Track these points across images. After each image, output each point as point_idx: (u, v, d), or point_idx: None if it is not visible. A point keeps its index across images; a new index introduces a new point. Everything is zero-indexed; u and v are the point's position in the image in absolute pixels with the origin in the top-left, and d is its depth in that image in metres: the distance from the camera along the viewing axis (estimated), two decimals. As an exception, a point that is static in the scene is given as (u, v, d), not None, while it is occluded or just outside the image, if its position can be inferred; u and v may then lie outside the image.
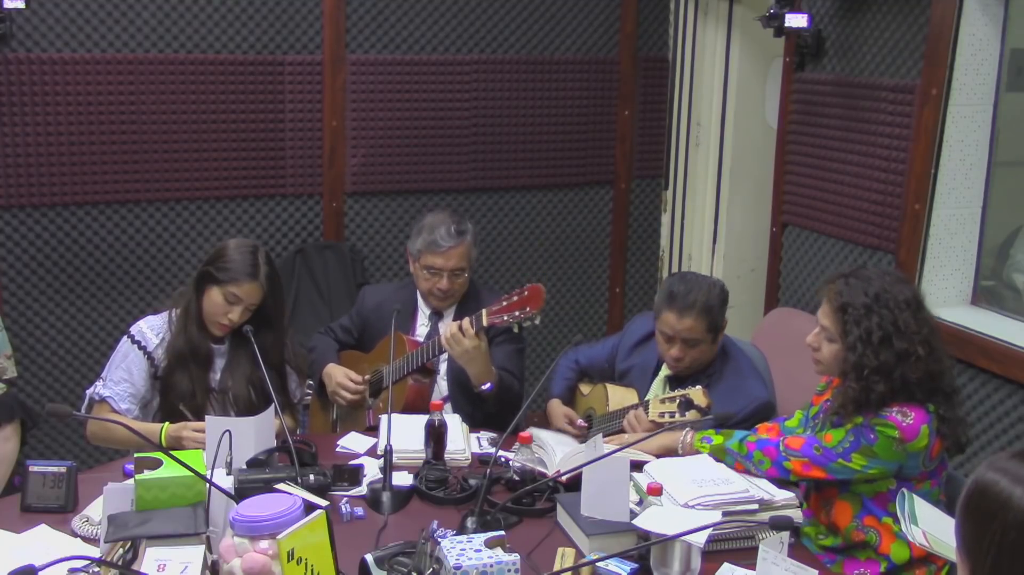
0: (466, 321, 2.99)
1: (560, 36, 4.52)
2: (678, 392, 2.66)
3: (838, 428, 2.43)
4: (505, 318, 2.94)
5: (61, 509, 2.38)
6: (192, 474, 2.09)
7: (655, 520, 2.18)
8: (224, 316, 2.85)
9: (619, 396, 3.00)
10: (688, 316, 2.82)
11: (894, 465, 2.38)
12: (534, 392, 2.94)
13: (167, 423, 2.77)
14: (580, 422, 3.05)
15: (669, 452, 2.62)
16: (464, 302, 3.27)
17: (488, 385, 3.07)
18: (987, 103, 3.34)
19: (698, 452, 2.58)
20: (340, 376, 3.23)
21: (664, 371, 3.01)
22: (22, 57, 3.78)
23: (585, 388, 3.25)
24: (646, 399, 2.82)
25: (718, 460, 2.53)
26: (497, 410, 3.14)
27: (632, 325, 3.26)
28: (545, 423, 3.29)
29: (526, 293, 2.92)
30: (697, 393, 2.62)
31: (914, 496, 2.19)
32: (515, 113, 4.50)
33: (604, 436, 2.83)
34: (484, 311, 2.98)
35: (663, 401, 2.69)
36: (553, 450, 2.65)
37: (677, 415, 2.62)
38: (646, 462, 2.57)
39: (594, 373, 3.25)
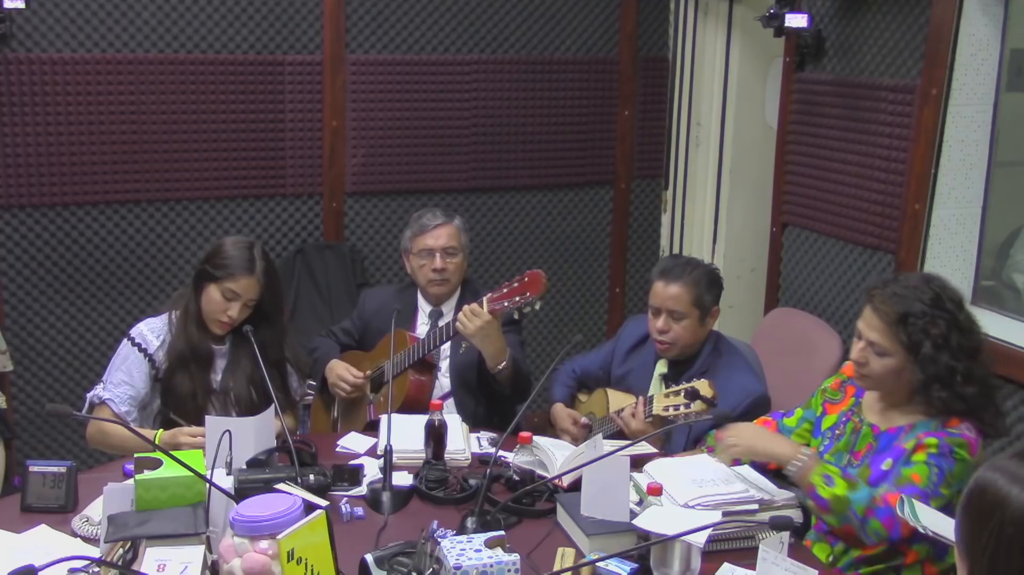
0: (473, 304, 3.01)
1: (560, 36, 4.52)
2: (683, 385, 2.66)
3: (919, 464, 2.29)
4: (505, 304, 2.95)
5: (61, 509, 2.38)
6: (192, 474, 2.10)
7: (655, 520, 2.18)
8: (223, 313, 2.85)
9: (619, 399, 3.01)
10: (674, 284, 2.92)
11: (962, 484, 2.25)
12: (533, 392, 2.94)
13: (161, 430, 2.76)
14: (584, 420, 3.06)
15: (777, 461, 2.38)
16: (462, 298, 3.29)
17: (504, 363, 3.09)
18: (987, 103, 3.34)
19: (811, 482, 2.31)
20: (340, 370, 3.27)
21: (659, 369, 3.02)
22: (22, 57, 3.78)
23: (583, 396, 3.25)
24: (649, 395, 2.82)
25: (828, 510, 2.29)
26: (512, 392, 3.16)
27: (625, 330, 3.26)
28: (545, 425, 3.29)
29: (526, 279, 2.94)
30: (703, 384, 2.62)
31: (913, 500, 2.19)
32: (515, 113, 4.50)
33: (610, 437, 2.83)
34: (485, 298, 3.00)
35: (668, 395, 2.69)
36: (553, 454, 2.65)
37: (682, 408, 2.62)
38: (651, 455, 2.58)
39: (589, 382, 3.26)
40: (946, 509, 2.27)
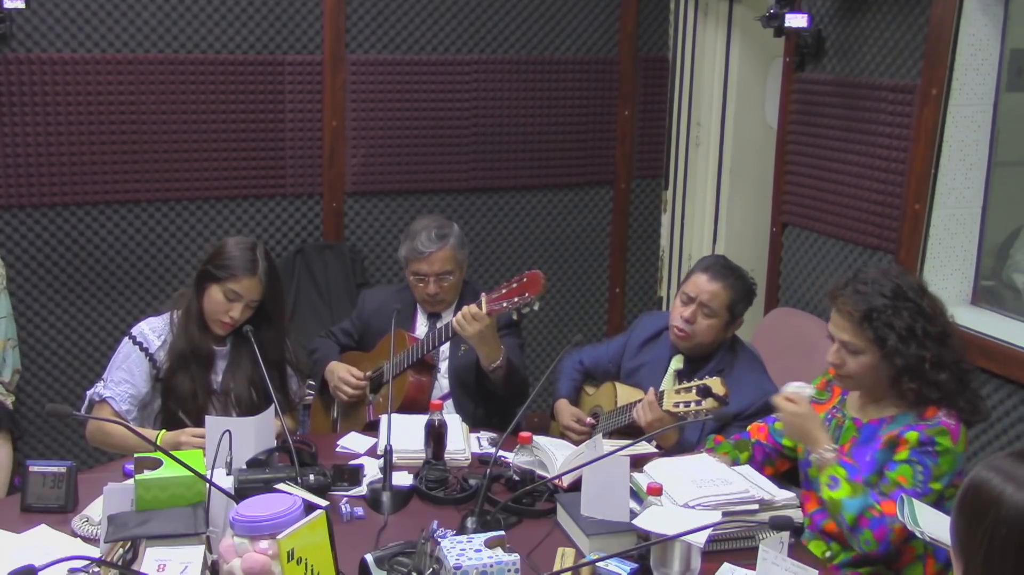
0: (472, 306, 3.01)
1: (560, 36, 4.52)
2: (695, 382, 2.66)
3: (902, 465, 2.31)
4: (504, 304, 2.95)
5: (61, 509, 2.38)
6: (192, 474, 2.10)
7: (655, 520, 2.18)
8: (225, 314, 2.85)
9: (627, 393, 3.00)
10: (719, 281, 2.94)
11: (952, 475, 2.31)
12: (534, 392, 2.94)
13: (163, 431, 2.77)
14: (588, 419, 3.06)
15: (810, 445, 2.40)
16: (462, 299, 3.28)
17: (497, 362, 3.09)
18: (987, 103, 3.34)
19: (831, 470, 2.34)
20: (342, 372, 3.26)
21: (675, 364, 3.02)
22: (22, 57, 3.78)
23: (590, 389, 3.25)
24: (660, 390, 2.80)
25: (827, 510, 2.36)
26: (507, 392, 3.16)
27: (639, 324, 3.27)
28: (546, 423, 3.29)
29: (525, 279, 2.94)
30: (715, 382, 2.61)
31: (913, 500, 2.19)
32: (515, 113, 4.50)
33: (617, 431, 2.82)
34: (484, 298, 3.00)
35: (679, 391, 2.68)
36: (553, 454, 2.65)
37: (693, 405, 2.62)
38: (651, 455, 2.57)
39: (598, 374, 3.26)
40: (939, 503, 2.27)
